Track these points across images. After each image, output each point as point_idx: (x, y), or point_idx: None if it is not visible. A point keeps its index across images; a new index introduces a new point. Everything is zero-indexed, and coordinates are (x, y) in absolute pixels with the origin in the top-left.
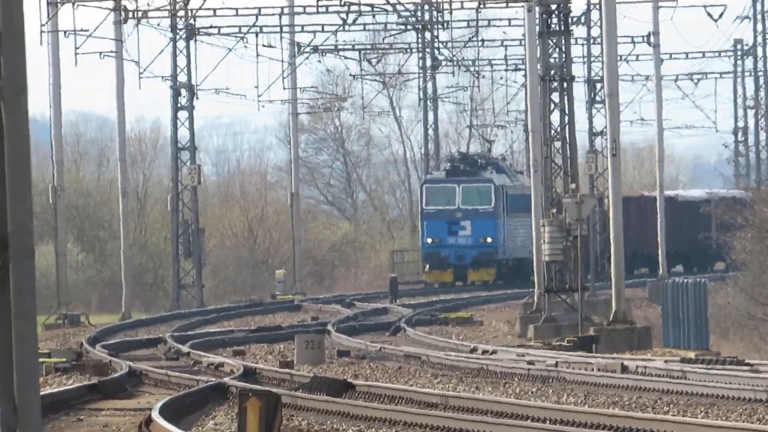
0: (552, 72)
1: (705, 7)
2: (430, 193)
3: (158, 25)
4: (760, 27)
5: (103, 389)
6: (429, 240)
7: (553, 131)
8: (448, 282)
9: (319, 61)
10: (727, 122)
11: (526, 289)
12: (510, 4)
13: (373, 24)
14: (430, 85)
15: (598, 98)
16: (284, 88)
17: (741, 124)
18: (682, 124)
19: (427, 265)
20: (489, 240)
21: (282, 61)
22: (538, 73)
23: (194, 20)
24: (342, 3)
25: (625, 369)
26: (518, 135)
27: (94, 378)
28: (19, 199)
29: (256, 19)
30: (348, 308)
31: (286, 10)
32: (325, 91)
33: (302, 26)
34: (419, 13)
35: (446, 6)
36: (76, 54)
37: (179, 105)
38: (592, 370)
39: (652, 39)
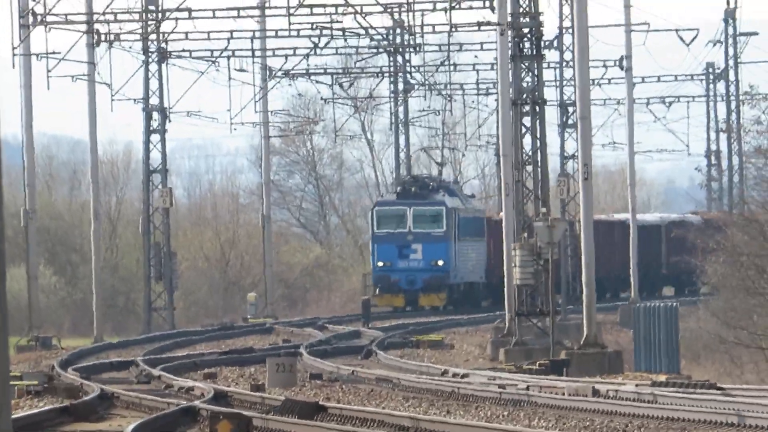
0: (524, 96)
1: (677, 30)
2: (380, 216)
3: (130, 48)
4: (731, 51)
5: (74, 412)
6: (380, 263)
7: (524, 155)
8: (399, 306)
9: (290, 85)
10: (700, 146)
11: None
12: (482, 28)
13: (344, 48)
14: (401, 109)
15: (570, 122)
16: (256, 112)
17: (714, 147)
18: (654, 147)
19: (377, 289)
20: (440, 263)
21: (254, 85)
22: (510, 97)
23: (166, 44)
24: (313, 27)
25: (596, 393)
26: (490, 159)
27: (66, 401)
28: None
29: (228, 42)
30: (320, 331)
31: (257, 34)
32: (297, 115)
33: (274, 50)
34: (391, 37)
35: (418, 30)
36: (48, 77)
37: (151, 128)
38: (563, 394)
39: (624, 63)
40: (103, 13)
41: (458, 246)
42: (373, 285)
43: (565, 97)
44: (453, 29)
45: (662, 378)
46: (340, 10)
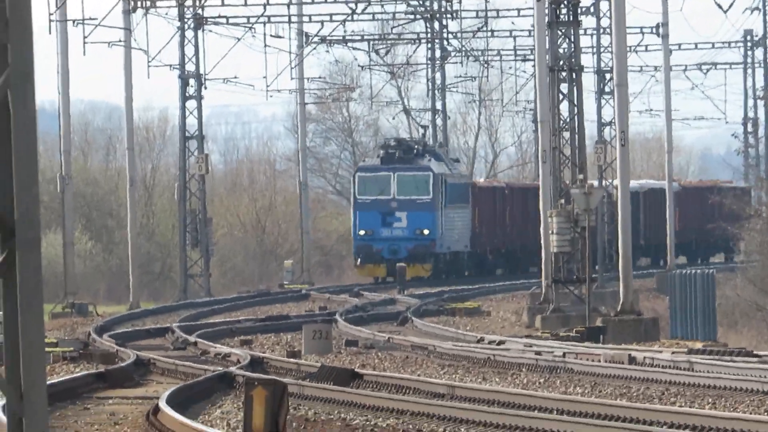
0: (561, 62)
1: None
2: (362, 181)
3: (166, 14)
4: None
5: (110, 378)
6: (361, 232)
7: (561, 122)
8: (382, 277)
9: (327, 51)
10: (737, 113)
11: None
12: None
13: (381, 14)
14: (438, 75)
15: (607, 89)
16: (292, 78)
17: (751, 115)
18: (691, 114)
19: (359, 259)
20: (426, 232)
21: (290, 52)
22: (547, 64)
23: (202, 10)
24: None
25: (632, 360)
26: (527, 125)
27: (102, 367)
28: (26, 187)
29: (264, 8)
30: (356, 298)
31: (294, 0)
32: (333, 82)
33: (310, 16)
34: (428, 3)
35: None
36: (84, 43)
37: (187, 94)
38: (600, 361)
39: (661, 29)
40: None
41: (445, 214)
42: (354, 255)
43: (602, 64)
44: None
45: (699, 345)
46: None
